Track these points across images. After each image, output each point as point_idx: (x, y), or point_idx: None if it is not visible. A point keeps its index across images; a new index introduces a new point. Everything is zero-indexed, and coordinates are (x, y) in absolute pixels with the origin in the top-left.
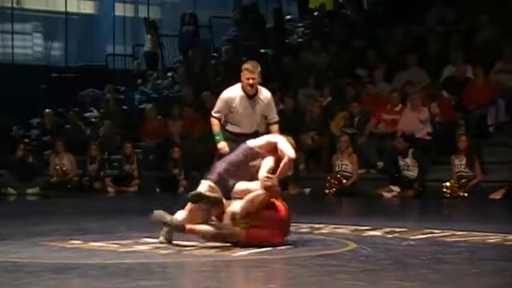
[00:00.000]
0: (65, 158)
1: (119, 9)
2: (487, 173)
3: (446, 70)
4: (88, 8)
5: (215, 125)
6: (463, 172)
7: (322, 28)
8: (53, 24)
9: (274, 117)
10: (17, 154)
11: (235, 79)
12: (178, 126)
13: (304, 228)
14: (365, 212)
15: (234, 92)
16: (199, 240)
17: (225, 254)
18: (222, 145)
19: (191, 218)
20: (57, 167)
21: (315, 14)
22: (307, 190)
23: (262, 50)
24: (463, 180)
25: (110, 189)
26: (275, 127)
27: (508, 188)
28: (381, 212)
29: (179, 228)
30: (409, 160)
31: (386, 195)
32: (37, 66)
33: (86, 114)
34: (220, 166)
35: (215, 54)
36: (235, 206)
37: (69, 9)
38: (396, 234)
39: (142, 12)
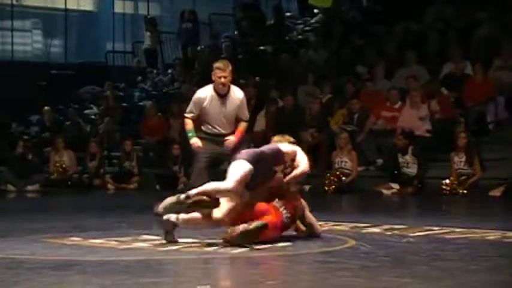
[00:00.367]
0: (64, 155)
1: (119, 6)
2: (486, 170)
3: (446, 67)
4: (88, 5)
5: (187, 124)
6: (463, 169)
7: (322, 25)
8: (53, 21)
9: (245, 116)
10: (16, 151)
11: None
12: (178, 123)
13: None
14: (364, 209)
15: (205, 92)
16: (199, 236)
17: (224, 251)
18: (194, 140)
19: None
20: (57, 164)
21: (315, 11)
22: (307, 187)
23: (261, 47)
24: (463, 178)
25: (109, 186)
26: (243, 124)
27: (507, 185)
28: (380, 209)
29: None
30: (408, 157)
31: (386, 192)
32: (37, 63)
33: (86, 111)
34: (257, 150)
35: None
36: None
37: (68, 6)
38: (396, 231)
39: (142, 9)
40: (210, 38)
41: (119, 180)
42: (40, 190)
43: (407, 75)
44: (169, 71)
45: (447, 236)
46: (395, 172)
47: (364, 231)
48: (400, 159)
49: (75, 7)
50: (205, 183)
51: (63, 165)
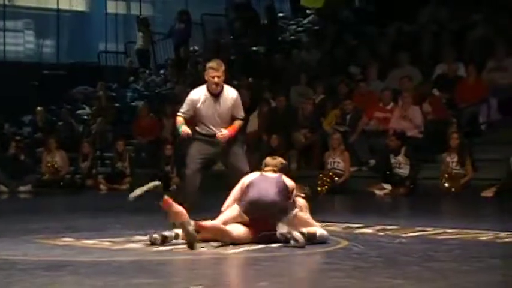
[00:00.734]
0: (57, 155)
1: (111, 7)
2: (479, 170)
3: (438, 68)
4: (80, 5)
5: (179, 121)
6: (454, 169)
7: (315, 26)
8: (45, 21)
9: (240, 114)
10: (8, 152)
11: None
12: (171, 123)
13: None
14: (357, 209)
15: (198, 93)
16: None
17: (217, 252)
18: (184, 128)
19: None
20: (49, 164)
21: (308, 11)
22: (306, 188)
23: (254, 48)
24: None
25: (102, 186)
26: (238, 122)
27: (499, 186)
28: (372, 210)
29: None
30: (401, 158)
31: (378, 193)
32: (29, 63)
33: (78, 112)
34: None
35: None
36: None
37: (60, 7)
38: (388, 232)
39: (135, 10)
40: (203, 38)
41: (111, 181)
42: (32, 191)
43: (401, 75)
44: (162, 71)
45: (440, 237)
46: (388, 173)
47: (356, 231)
48: (393, 160)
49: (67, 7)
50: (197, 186)
51: (55, 166)
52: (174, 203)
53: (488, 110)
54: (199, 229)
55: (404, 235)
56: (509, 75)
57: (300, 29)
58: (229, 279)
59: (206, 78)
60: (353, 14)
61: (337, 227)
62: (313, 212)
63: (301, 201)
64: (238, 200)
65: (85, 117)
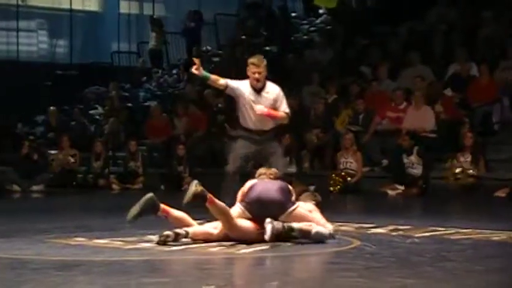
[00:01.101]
0: (69, 153)
1: (124, 7)
2: (492, 170)
3: (451, 68)
4: (93, 6)
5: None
6: (467, 169)
7: (327, 25)
8: (58, 21)
9: (284, 109)
10: (21, 151)
11: (239, 77)
12: (183, 123)
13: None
14: (369, 209)
15: (243, 85)
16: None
17: (228, 252)
18: (208, 74)
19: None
20: (61, 161)
21: (320, 11)
22: (312, 187)
23: (267, 48)
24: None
25: (114, 186)
26: (281, 112)
27: None
28: (385, 210)
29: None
30: (413, 158)
31: (391, 193)
32: (42, 63)
33: (91, 112)
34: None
35: (220, 51)
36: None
37: (74, 7)
38: (400, 232)
39: (147, 10)
40: (215, 38)
41: (123, 181)
42: (45, 190)
43: (413, 75)
44: (174, 71)
45: (452, 237)
46: (400, 173)
47: (369, 231)
48: (405, 160)
49: (80, 7)
50: (235, 185)
51: (69, 162)
52: (171, 210)
53: (502, 109)
54: (210, 203)
55: (416, 235)
56: None
57: (312, 28)
58: (240, 279)
59: (248, 74)
60: (366, 14)
61: (349, 227)
62: (325, 212)
63: (311, 207)
64: (240, 201)
65: (98, 117)
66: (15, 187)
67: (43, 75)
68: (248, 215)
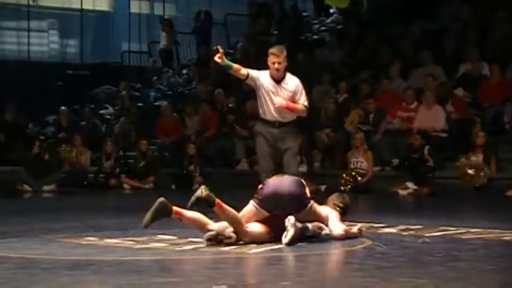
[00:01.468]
0: (81, 152)
1: (135, 7)
2: (503, 170)
3: (462, 67)
4: (103, 5)
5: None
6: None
7: (338, 25)
8: (69, 21)
9: (303, 101)
10: (32, 151)
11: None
12: (194, 122)
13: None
14: (380, 209)
15: (263, 75)
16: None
17: (239, 251)
18: (230, 63)
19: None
20: (73, 159)
21: (331, 11)
22: (323, 187)
23: None
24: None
25: (125, 186)
26: (300, 105)
27: None
28: (396, 210)
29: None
30: (424, 157)
31: (402, 192)
32: (53, 63)
33: (101, 111)
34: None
35: (231, 51)
36: None
37: (84, 7)
38: (411, 232)
39: (158, 10)
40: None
41: (134, 180)
42: (56, 190)
43: (424, 74)
44: (185, 71)
45: (463, 237)
46: (411, 172)
47: (379, 231)
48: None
49: (91, 7)
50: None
51: (80, 161)
52: (184, 211)
53: None
54: (218, 208)
55: (427, 235)
56: None
57: (323, 28)
58: (252, 279)
59: (268, 64)
60: (377, 13)
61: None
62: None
63: (327, 209)
64: (254, 198)
65: (108, 116)
66: (27, 187)
67: (54, 75)
68: (263, 212)
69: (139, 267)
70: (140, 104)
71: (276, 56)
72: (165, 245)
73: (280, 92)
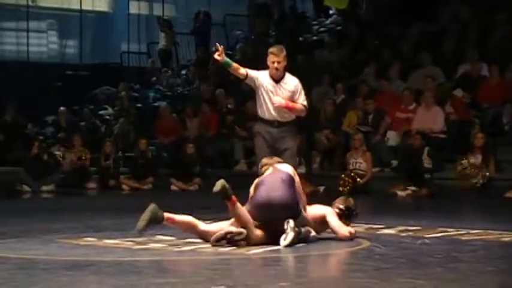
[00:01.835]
0: (81, 152)
1: (134, 7)
2: (502, 171)
3: (461, 68)
4: (103, 6)
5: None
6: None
7: (337, 26)
8: (68, 22)
9: (302, 101)
10: (32, 152)
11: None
12: (194, 124)
13: None
14: (379, 210)
15: (263, 75)
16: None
17: (238, 252)
18: (230, 62)
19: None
20: (73, 159)
21: (330, 12)
22: (322, 188)
23: None
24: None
25: (124, 186)
26: (299, 104)
27: None
28: (395, 211)
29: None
30: (424, 158)
31: (401, 193)
32: (52, 64)
33: (101, 112)
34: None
35: (230, 52)
36: None
37: (83, 7)
38: (410, 233)
39: (157, 10)
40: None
41: (133, 181)
42: (55, 190)
43: (423, 75)
44: (184, 71)
45: (462, 238)
46: (410, 173)
47: (378, 232)
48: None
49: (90, 8)
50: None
51: (81, 159)
52: (176, 216)
53: None
54: (231, 204)
55: (426, 236)
56: None
57: (322, 29)
58: (250, 280)
59: (268, 63)
60: (376, 14)
61: (359, 228)
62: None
63: (328, 210)
64: (249, 202)
65: (107, 117)
66: (26, 187)
67: (53, 75)
68: (255, 221)
69: (138, 268)
70: (139, 105)
71: (276, 56)
72: (163, 245)
73: (279, 91)
